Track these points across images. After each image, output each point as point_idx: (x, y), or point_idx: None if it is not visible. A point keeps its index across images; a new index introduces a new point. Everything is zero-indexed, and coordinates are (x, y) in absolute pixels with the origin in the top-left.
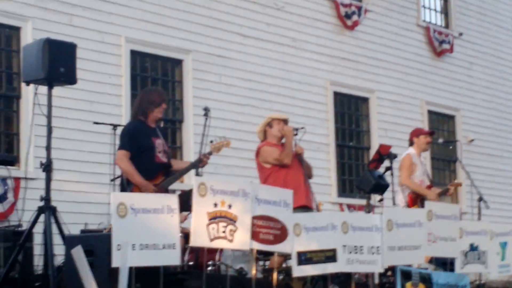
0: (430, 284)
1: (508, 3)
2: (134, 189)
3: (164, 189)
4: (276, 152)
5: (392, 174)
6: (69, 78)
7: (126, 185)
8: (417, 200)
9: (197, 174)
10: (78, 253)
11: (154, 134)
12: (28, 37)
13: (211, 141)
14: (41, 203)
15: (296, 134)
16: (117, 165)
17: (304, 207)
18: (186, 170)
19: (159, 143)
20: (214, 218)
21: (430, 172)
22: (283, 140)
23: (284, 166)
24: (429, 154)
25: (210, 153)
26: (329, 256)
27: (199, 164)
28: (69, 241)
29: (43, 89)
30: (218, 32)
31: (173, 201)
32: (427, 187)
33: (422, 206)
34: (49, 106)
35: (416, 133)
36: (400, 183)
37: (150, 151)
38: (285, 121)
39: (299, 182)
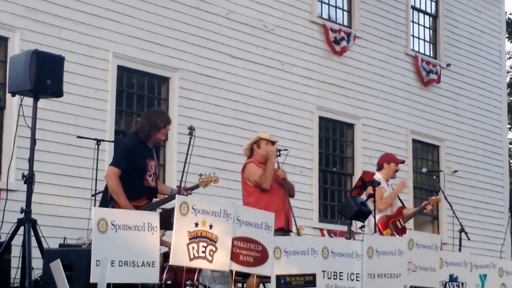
0: None
1: (497, 36)
2: (115, 207)
3: None
4: (258, 174)
5: (374, 202)
6: (56, 90)
7: (109, 201)
8: (388, 224)
9: (180, 193)
10: (56, 267)
11: (149, 155)
12: (15, 48)
13: (201, 174)
14: (21, 215)
15: (278, 155)
16: (106, 180)
17: (282, 230)
18: (167, 200)
19: (152, 165)
20: (195, 237)
21: (412, 201)
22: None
23: (263, 190)
24: (411, 183)
25: (197, 186)
26: (308, 280)
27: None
28: (48, 255)
29: (29, 100)
30: (206, 51)
31: (154, 218)
32: (399, 208)
33: (395, 230)
34: (34, 118)
35: (388, 159)
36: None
37: (141, 173)
38: (273, 143)
39: (281, 205)
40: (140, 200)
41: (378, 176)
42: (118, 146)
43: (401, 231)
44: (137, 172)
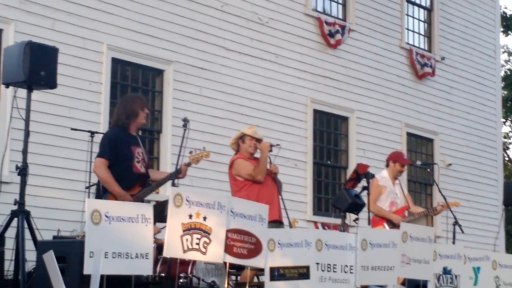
0: None
1: (491, 30)
2: (110, 198)
3: (140, 200)
4: (250, 167)
5: (368, 194)
6: (49, 82)
7: (102, 193)
8: (381, 221)
9: (173, 185)
10: (49, 258)
11: (134, 142)
12: (9, 39)
13: (191, 152)
14: (15, 207)
15: (271, 151)
16: (95, 172)
17: (276, 222)
18: (163, 181)
19: (138, 152)
20: (189, 229)
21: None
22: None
23: (257, 182)
24: (406, 176)
25: (189, 164)
26: (302, 273)
27: (177, 175)
28: (42, 247)
29: (22, 92)
30: (201, 44)
31: (148, 210)
32: (402, 208)
33: (390, 227)
34: (28, 110)
35: (394, 158)
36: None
37: (128, 160)
38: (257, 140)
39: (273, 197)
40: (134, 189)
41: (384, 173)
42: (101, 139)
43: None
44: (123, 160)
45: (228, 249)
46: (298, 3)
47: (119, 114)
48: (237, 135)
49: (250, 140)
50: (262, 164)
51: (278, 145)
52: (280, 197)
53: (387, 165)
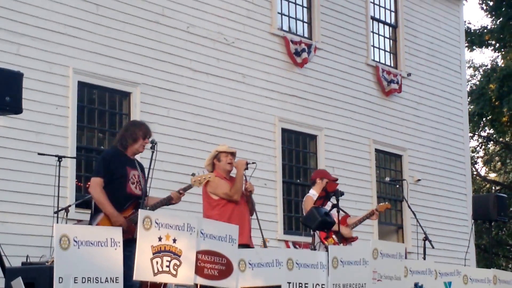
0: None
1: (457, 45)
2: (102, 219)
3: (133, 223)
4: (226, 186)
5: (338, 212)
6: (15, 107)
7: (94, 213)
8: (330, 233)
9: (142, 207)
10: (18, 285)
11: (130, 164)
12: None
13: (193, 174)
14: None
15: (246, 169)
16: (90, 192)
17: (245, 245)
18: (158, 205)
19: (134, 174)
20: (158, 252)
21: None
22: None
23: (233, 202)
24: (375, 193)
25: (189, 187)
26: None
27: (169, 201)
28: (10, 273)
29: None
30: (167, 65)
31: (117, 234)
32: (342, 218)
33: (340, 239)
34: None
35: (321, 175)
36: None
37: (122, 179)
38: (232, 154)
39: (244, 219)
40: (127, 210)
41: (312, 191)
42: (98, 158)
43: (345, 239)
44: (116, 179)
45: (198, 271)
46: (264, 23)
47: (121, 134)
48: (211, 155)
49: (225, 156)
50: (238, 182)
51: (253, 163)
52: (251, 218)
53: (314, 183)
